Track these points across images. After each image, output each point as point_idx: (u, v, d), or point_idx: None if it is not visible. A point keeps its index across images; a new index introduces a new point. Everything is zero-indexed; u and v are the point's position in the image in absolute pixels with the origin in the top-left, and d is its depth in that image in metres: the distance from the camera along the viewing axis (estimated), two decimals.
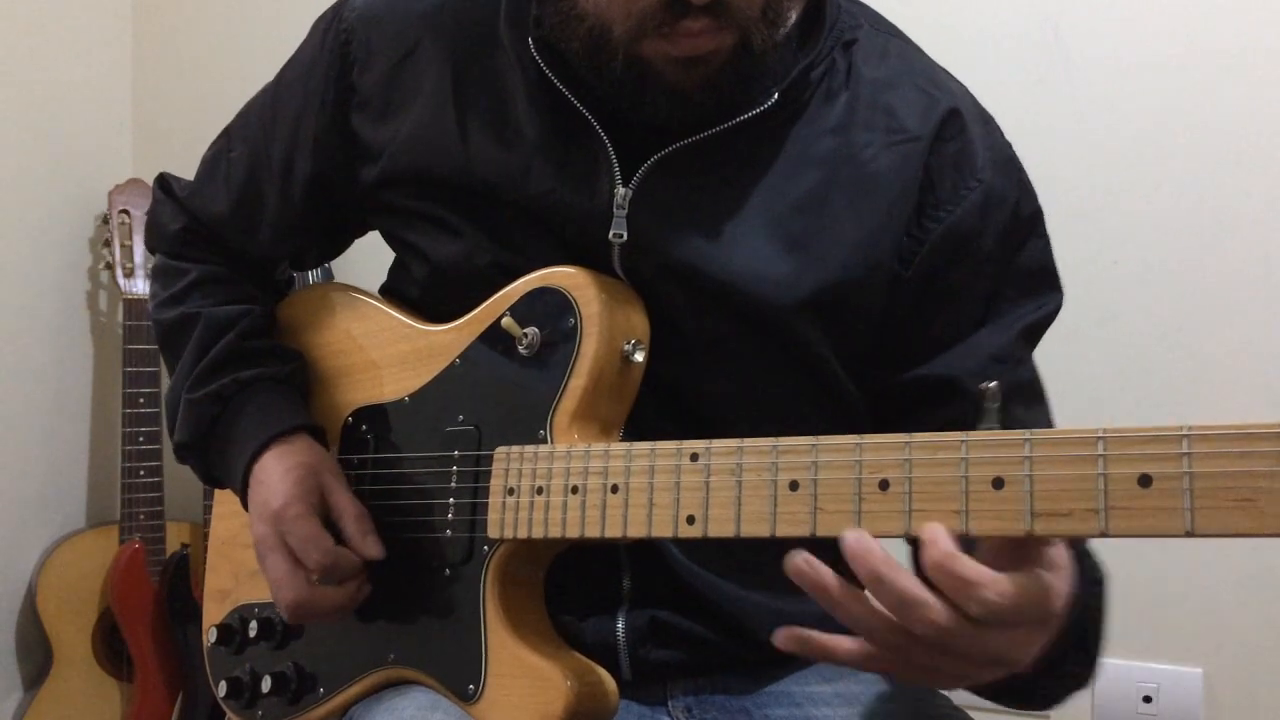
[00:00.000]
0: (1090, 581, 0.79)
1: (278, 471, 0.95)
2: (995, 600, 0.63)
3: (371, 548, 0.93)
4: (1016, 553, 0.66)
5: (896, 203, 0.89)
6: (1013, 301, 0.91)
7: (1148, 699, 1.72)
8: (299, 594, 0.92)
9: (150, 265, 1.98)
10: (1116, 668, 1.74)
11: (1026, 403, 0.90)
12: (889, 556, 0.66)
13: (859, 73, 0.92)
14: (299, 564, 0.92)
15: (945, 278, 0.90)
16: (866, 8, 0.98)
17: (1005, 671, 0.70)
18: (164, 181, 1.14)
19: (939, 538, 0.65)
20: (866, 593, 0.67)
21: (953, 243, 0.89)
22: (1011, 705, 0.86)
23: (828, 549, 0.69)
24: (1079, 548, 0.79)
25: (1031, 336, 0.92)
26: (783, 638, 0.70)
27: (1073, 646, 0.77)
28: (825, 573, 0.67)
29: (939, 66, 0.97)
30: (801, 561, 0.68)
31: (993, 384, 0.68)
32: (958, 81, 0.96)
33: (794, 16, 0.89)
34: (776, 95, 0.87)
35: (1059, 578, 0.67)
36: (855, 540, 0.66)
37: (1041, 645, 0.70)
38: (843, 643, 0.70)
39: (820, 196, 0.89)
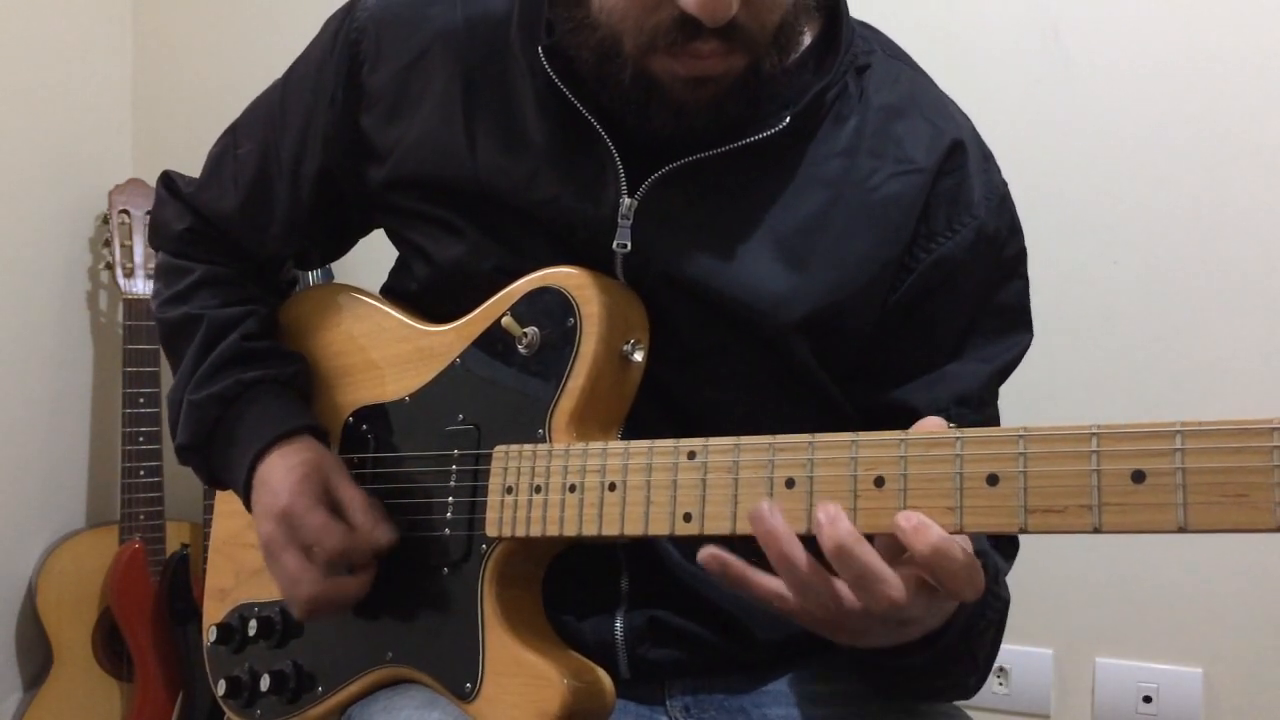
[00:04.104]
0: (993, 595, 0.82)
1: (281, 469, 0.95)
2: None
3: (383, 534, 0.92)
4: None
5: (896, 231, 0.90)
6: (986, 338, 0.92)
7: (1148, 699, 1.72)
8: (315, 588, 0.91)
9: (153, 264, 1.99)
10: (1116, 668, 1.74)
11: None
12: (854, 530, 0.68)
13: (869, 98, 0.92)
14: (311, 558, 0.92)
15: (924, 307, 0.91)
16: (879, 33, 0.99)
17: (911, 633, 0.73)
18: (168, 179, 1.13)
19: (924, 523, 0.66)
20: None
21: (939, 274, 0.90)
22: (890, 689, 0.90)
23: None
24: (993, 569, 0.82)
25: (1002, 377, 0.94)
26: (705, 555, 0.72)
27: (960, 642, 0.79)
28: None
29: (947, 97, 0.97)
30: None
31: (952, 426, 0.69)
32: (963, 114, 0.97)
33: (807, 40, 0.90)
34: (789, 118, 0.87)
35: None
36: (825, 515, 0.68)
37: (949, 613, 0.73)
38: (765, 581, 0.71)
39: (824, 218, 0.89)
